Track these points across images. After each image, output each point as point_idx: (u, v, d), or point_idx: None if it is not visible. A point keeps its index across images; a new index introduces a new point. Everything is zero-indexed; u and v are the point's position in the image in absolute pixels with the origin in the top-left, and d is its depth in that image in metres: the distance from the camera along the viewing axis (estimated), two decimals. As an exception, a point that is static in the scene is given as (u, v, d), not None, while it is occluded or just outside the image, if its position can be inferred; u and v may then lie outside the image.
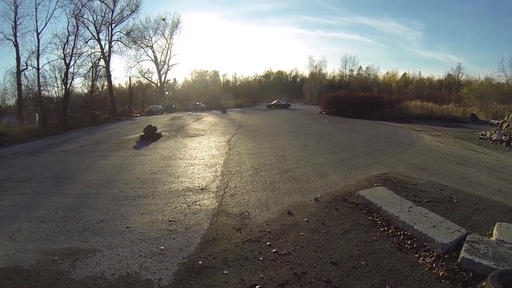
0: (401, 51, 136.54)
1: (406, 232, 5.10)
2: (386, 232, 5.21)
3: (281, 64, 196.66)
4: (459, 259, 4.23)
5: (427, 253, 4.53)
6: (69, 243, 5.64)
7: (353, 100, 30.96)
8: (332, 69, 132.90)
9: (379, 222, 5.61)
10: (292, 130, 18.00)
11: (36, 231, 6.38)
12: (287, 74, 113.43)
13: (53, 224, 6.62)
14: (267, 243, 4.91)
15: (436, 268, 4.17)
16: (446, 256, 4.41)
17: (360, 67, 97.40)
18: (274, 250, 4.67)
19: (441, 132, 18.93)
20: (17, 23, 38.29)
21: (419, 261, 4.37)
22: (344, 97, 32.83)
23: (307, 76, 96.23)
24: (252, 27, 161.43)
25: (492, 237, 4.97)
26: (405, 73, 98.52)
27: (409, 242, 4.84)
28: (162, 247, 5.04)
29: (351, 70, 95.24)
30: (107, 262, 4.81)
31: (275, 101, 62.39)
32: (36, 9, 39.40)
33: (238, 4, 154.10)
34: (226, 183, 8.30)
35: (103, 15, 50.28)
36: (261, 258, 4.47)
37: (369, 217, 5.81)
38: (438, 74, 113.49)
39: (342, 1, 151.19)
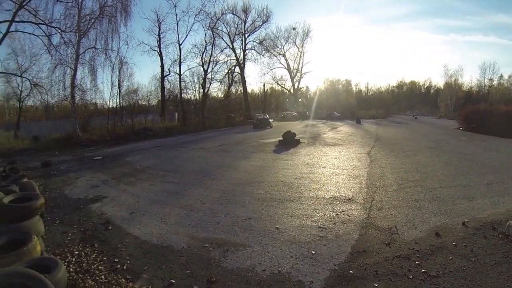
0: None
1: None
2: (545, 274, 4.81)
3: (414, 73, 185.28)
4: None
5: None
6: (218, 234, 6.14)
7: (495, 115, 28.41)
8: (469, 78, 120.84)
9: (535, 259, 5.20)
10: (431, 146, 17.23)
11: (185, 217, 7.09)
12: (420, 84, 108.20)
13: (201, 214, 7.29)
14: (416, 262, 4.83)
15: None
16: None
17: (501, 76, 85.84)
18: (423, 270, 4.58)
19: None
20: (161, 36, 46.04)
21: None
22: (485, 112, 30.02)
23: (441, 87, 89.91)
24: (381, 34, 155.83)
25: None
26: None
27: None
28: (313, 252, 5.23)
29: (491, 80, 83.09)
30: (258, 257, 5.14)
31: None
32: (177, 24, 47.38)
33: (366, 10, 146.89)
34: (372, 195, 8.27)
35: (236, 26, 55.08)
36: (411, 277, 4.43)
37: (522, 252, 5.40)
38: None
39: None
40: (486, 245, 5.58)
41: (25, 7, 27.24)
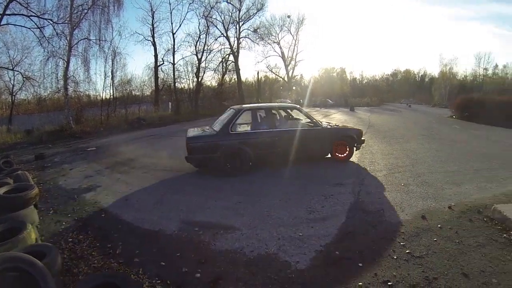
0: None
1: (548, 261, 4.65)
2: (524, 256, 4.91)
3: (409, 62, 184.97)
4: None
5: None
6: (209, 218, 6.30)
7: (488, 104, 28.57)
8: (464, 68, 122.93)
9: (517, 243, 5.28)
10: (423, 133, 17.33)
11: (178, 203, 7.25)
12: (415, 73, 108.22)
13: (193, 199, 7.46)
14: (401, 243, 4.98)
15: None
16: None
17: (496, 66, 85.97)
18: (407, 251, 4.73)
19: None
20: (154, 26, 45.07)
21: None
22: (478, 101, 30.13)
23: (436, 76, 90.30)
24: (376, 22, 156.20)
25: None
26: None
27: (550, 272, 4.48)
28: (301, 234, 5.37)
29: (485, 69, 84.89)
30: (246, 240, 5.28)
31: None
32: (171, 13, 46.29)
33: None
34: (362, 180, 8.43)
35: (230, 15, 53.60)
36: (395, 257, 4.57)
37: (505, 235, 5.48)
38: None
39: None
40: (471, 227, 5.74)
41: (16, -1, 27.00)
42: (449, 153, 12.23)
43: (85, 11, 30.64)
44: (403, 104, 74.83)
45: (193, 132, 10.53)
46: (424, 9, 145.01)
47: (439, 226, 5.72)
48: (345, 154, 10.64)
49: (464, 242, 5.19)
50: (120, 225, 6.31)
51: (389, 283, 4.05)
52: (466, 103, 31.17)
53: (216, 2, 50.22)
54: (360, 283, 4.06)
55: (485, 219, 6.10)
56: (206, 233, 5.63)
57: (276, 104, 11.73)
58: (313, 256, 4.67)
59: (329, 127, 10.82)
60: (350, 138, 10.66)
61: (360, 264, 4.42)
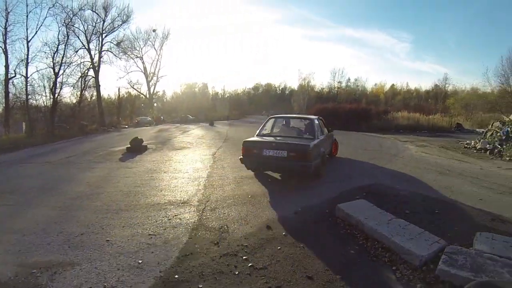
0: (389, 63, 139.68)
1: (384, 245, 5.14)
2: (365, 245, 5.26)
3: (270, 76, 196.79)
4: (436, 271, 4.26)
5: (405, 266, 4.56)
6: (48, 256, 5.62)
7: (340, 112, 31.37)
8: (321, 81, 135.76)
9: (358, 235, 5.65)
10: (280, 142, 18.25)
11: (16, 243, 6.35)
12: (276, 86, 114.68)
13: (33, 236, 6.58)
14: (244, 257, 4.94)
15: (414, 281, 4.20)
16: (423, 268, 4.46)
17: (349, 79, 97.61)
18: (250, 265, 4.70)
19: (427, 142, 19.23)
20: (7, 30, 37.75)
21: (397, 274, 4.39)
22: (332, 109, 33.20)
23: (296, 89, 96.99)
24: (241, 38, 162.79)
25: (471, 247, 4.92)
26: (393, 85, 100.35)
27: (387, 255, 4.87)
28: (140, 261, 5.07)
29: (340, 82, 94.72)
30: (85, 275, 4.81)
31: None
32: (27, 16, 39.12)
33: (225, 16, 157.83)
34: (208, 196, 8.32)
35: (94, 25, 50.20)
36: (237, 273, 4.50)
37: (348, 231, 5.86)
38: (425, 85, 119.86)
39: (330, 14, 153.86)
40: (316, 229, 6.03)
41: None
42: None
43: None
44: (264, 115, 77.96)
45: (295, 139, 10.24)
46: (282, 29, 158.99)
47: (283, 233, 5.85)
48: (334, 152, 13.84)
49: (309, 245, 5.37)
50: (-50, 285, 5.48)
51: (230, 301, 3.95)
52: (322, 111, 33.57)
53: (80, 9, 45.95)
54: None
55: (330, 219, 6.45)
56: (44, 275, 5.02)
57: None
58: (152, 284, 4.42)
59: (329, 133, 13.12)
60: (335, 139, 14.09)
61: (200, 286, 4.27)
